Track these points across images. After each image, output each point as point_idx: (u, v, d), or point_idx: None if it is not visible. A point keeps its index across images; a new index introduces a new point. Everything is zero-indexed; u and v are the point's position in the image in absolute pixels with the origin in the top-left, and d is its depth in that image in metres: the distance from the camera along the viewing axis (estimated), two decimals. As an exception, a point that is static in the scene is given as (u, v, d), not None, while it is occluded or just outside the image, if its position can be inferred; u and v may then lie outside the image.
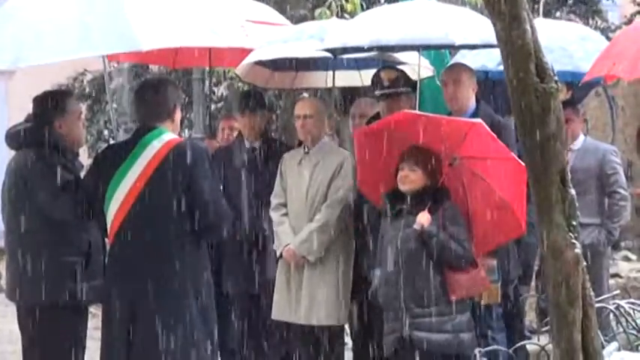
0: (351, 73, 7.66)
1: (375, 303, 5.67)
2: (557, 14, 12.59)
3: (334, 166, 6.33)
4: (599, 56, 6.79)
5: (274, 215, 6.44)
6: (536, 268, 7.02)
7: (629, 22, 12.00)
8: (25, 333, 5.54)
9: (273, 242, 6.46)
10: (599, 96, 10.71)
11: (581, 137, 7.22)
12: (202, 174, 4.97)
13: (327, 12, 8.94)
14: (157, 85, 5.23)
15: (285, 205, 6.43)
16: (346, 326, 6.66)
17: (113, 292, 5.02)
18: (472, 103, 6.26)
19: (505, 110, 6.82)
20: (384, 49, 6.61)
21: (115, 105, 11.78)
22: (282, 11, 9.13)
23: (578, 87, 7.54)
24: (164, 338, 4.87)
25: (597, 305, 4.18)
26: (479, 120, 5.57)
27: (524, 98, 3.75)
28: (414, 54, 6.55)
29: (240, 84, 10.07)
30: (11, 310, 5.77)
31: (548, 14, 11.65)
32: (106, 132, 13.79)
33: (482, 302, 5.87)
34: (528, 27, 3.73)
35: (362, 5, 9.22)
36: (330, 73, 7.34)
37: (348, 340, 6.84)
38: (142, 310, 4.92)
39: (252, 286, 6.63)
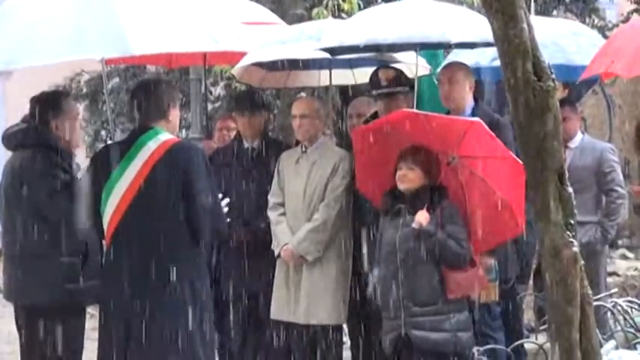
0: (344, 71, 7.65)
1: (374, 302, 5.66)
2: (554, 12, 12.58)
3: (332, 165, 6.31)
4: (596, 54, 6.79)
5: (272, 215, 6.42)
6: (534, 266, 7.01)
7: (627, 20, 11.99)
8: (22, 333, 5.54)
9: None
10: (596, 94, 10.71)
11: (579, 135, 7.22)
12: (198, 174, 4.96)
13: (324, 11, 8.93)
14: (150, 85, 5.23)
15: (282, 205, 6.42)
16: (344, 325, 6.66)
17: (110, 292, 5.01)
18: (470, 102, 6.25)
19: (496, 110, 6.83)
20: (381, 48, 6.60)
21: (112, 105, 11.77)
22: (279, 11, 9.12)
23: (576, 85, 7.54)
24: (162, 339, 4.86)
25: (595, 303, 4.18)
26: (477, 119, 5.57)
27: (522, 96, 3.75)
28: (410, 52, 6.54)
29: (237, 84, 10.06)
30: (9, 310, 5.77)
31: (545, 12, 11.64)
32: (103, 132, 13.78)
33: (481, 301, 5.86)
34: (525, 25, 3.73)
35: (359, 4, 9.20)
36: (324, 72, 7.33)
37: (346, 339, 6.83)
38: (139, 311, 4.90)
39: (251, 286, 6.61)
